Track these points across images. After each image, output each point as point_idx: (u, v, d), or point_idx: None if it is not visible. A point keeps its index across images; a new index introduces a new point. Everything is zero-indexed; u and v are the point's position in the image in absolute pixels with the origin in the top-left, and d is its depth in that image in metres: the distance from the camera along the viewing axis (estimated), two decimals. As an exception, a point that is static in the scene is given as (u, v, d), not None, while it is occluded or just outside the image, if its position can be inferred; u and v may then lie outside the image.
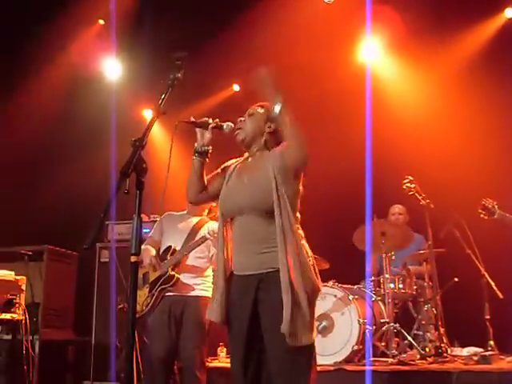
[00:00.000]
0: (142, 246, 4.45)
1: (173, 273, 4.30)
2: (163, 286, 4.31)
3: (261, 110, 3.06)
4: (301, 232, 2.93)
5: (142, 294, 4.40)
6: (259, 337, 2.81)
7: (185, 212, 4.54)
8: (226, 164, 3.18)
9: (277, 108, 2.75)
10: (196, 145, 3.08)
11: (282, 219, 2.79)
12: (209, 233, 4.18)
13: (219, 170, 3.16)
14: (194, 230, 4.42)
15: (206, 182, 3.11)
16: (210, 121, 3.07)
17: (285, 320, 2.68)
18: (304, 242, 2.91)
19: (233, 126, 3.07)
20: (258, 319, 2.83)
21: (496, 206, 5.21)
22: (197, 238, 4.33)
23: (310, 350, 2.79)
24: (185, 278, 4.32)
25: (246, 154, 3.12)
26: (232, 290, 2.95)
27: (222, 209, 3.03)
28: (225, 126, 3.07)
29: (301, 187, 2.98)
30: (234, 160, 3.19)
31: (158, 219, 4.77)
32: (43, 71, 6.60)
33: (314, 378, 2.79)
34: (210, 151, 3.09)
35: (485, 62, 6.44)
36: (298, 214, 2.97)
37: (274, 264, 2.78)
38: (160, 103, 2.43)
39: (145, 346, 4.57)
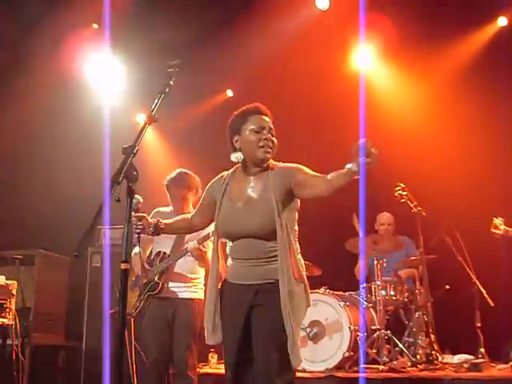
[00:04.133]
0: (134, 250, 4.45)
1: (159, 281, 4.29)
2: (150, 293, 4.33)
3: (271, 125, 3.02)
4: (297, 246, 2.97)
5: (133, 296, 4.42)
6: (249, 343, 2.84)
7: (171, 209, 4.50)
8: (208, 187, 3.15)
9: (354, 167, 2.70)
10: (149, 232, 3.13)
11: (283, 238, 2.82)
12: (189, 247, 4.20)
13: (204, 196, 3.15)
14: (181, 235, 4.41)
15: (190, 223, 3.20)
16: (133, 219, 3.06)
17: (287, 328, 2.73)
18: (299, 256, 2.95)
19: (140, 199, 3.10)
20: (249, 327, 2.86)
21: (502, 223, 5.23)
22: (186, 241, 4.33)
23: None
24: (173, 284, 4.32)
25: (238, 169, 3.05)
26: (224, 295, 2.97)
27: (221, 234, 3.02)
28: (134, 202, 2.85)
29: (298, 203, 2.98)
30: (216, 179, 3.14)
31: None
32: (34, 74, 6.57)
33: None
34: (162, 228, 3.14)
35: (477, 70, 6.47)
36: (297, 227, 2.99)
37: (273, 276, 2.82)
38: (152, 110, 2.43)
39: (136, 350, 4.57)
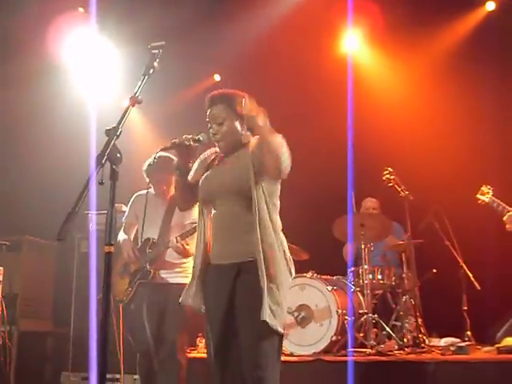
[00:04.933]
0: (121, 237, 4.44)
1: (150, 268, 4.30)
2: (141, 281, 4.33)
3: (225, 110, 2.99)
4: (279, 222, 2.95)
5: (124, 283, 4.42)
6: (234, 325, 2.84)
7: (152, 192, 4.48)
8: (202, 156, 3.16)
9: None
10: (176, 163, 3.08)
11: (259, 208, 2.80)
12: (172, 242, 4.21)
13: (199, 163, 3.14)
14: (167, 216, 4.39)
15: (191, 190, 3.10)
16: (188, 137, 3.02)
17: (264, 306, 2.71)
18: (281, 232, 2.93)
19: (205, 135, 3.04)
20: (233, 308, 2.85)
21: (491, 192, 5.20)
22: (172, 226, 4.33)
23: (279, 339, 2.83)
24: (165, 271, 4.32)
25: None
26: (208, 278, 2.97)
27: (201, 192, 3.02)
28: (201, 138, 3.04)
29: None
30: (212, 150, 3.17)
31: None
32: (20, 59, 6.50)
33: (279, 367, 2.83)
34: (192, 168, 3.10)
35: (465, 54, 6.48)
36: (278, 202, 2.98)
37: (252, 254, 2.80)
38: (135, 92, 2.40)
39: (126, 336, 4.58)
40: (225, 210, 2.92)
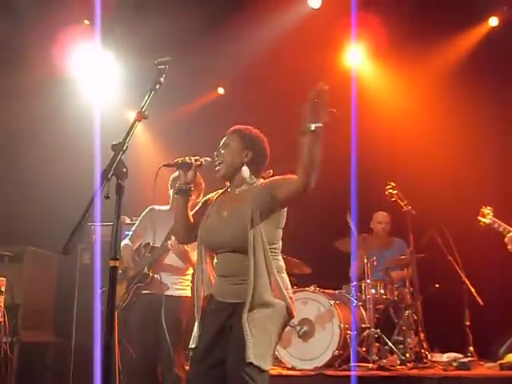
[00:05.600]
0: (124, 242, 4.46)
1: (148, 272, 4.31)
2: (139, 284, 4.34)
3: (236, 138, 3.00)
4: (281, 264, 2.95)
5: (121, 289, 4.41)
6: (220, 347, 2.82)
7: (168, 207, 4.51)
8: (207, 197, 3.16)
9: (315, 126, 2.62)
10: (178, 184, 3.05)
11: (254, 257, 2.79)
12: (171, 244, 4.20)
13: (201, 205, 3.15)
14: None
15: (192, 220, 3.07)
16: (192, 160, 3.00)
17: (248, 346, 2.68)
18: (284, 274, 2.92)
19: (210, 160, 3.02)
20: (223, 335, 2.84)
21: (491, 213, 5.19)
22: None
23: (264, 375, 2.76)
24: (163, 276, 4.30)
25: (228, 185, 3.08)
26: (207, 309, 2.96)
27: (201, 241, 3.01)
28: (204, 162, 3.02)
29: (284, 219, 2.95)
30: (214, 192, 3.16)
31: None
32: (25, 71, 6.53)
33: None
34: (192, 189, 3.06)
35: (467, 69, 6.52)
36: (280, 244, 2.96)
37: (244, 296, 2.78)
38: (142, 107, 2.42)
39: (122, 346, 4.57)
40: (226, 258, 2.92)
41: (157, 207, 4.49)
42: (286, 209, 2.93)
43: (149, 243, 4.38)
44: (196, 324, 2.97)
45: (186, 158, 3.00)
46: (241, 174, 2.98)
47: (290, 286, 2.92)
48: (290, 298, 2.87)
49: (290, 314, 2.86)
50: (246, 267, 2.80)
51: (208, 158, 3.02)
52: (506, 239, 4.96)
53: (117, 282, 2.18)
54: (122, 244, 4.44)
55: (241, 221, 2.85)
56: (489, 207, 5.16)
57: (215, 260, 3.01)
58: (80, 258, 5.87)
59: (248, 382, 2.66)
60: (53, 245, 6.15)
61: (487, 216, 5.13)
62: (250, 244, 2.79)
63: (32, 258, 6.20)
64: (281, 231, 2.96)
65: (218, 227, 2.94)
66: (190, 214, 3.07)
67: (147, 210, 4.58)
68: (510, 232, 4.99)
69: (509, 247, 4.95)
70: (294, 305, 2.90)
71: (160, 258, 4.33)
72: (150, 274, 4.30)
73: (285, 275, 2.93)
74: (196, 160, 3.00)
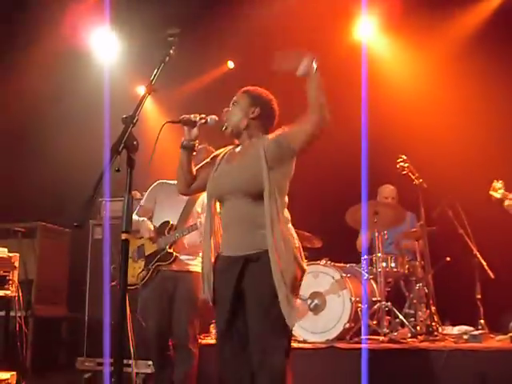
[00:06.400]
0: (136, 217, 4.44)
1: (171, 251, 4.29)
2: (160, 263, 4.31)
3: (244, 96, 3.07)
4: (287, 215, 2.97)
5: (137, 267, 4.41)
6: (241, 313, 2.86)
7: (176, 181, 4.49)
8: (215, 153, 3.21)
9: (301, 71, 2.76)
10: (183, 140, 3.10)
11: (270, 203, 2.81)
12: (200, 222, 4.19)
13: (209, 160, 3.19)
14: (189, 203, 4.39)
15: (194, 174, 3.14)
16: (197, 117, 3.05)
17: (281, 300, 2.72)
18: (290, 225, 2.95)
19: (217, 118, 3.06)
20: (241, 297, 2.87)
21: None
22: (192, 215, 4.34)
23: (288, 331, 2.83)
24: (181, 256, 4.33)
25: (236, 142, 3.13)
26: (217, 268, 2.99)
27: (211, 190, 3.05)
28: (209, 120, 3.06)
29: (292, 170, 2.98)
30: (223, 149, 3.20)
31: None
32: (34, 45, 6.52)
33: (289, 359, 2.82)
34: (197, 145, 3.12)
35: (481, 41, 6.40)
36: (286, 198, 2.99)
37: (262, 246, 2.81)
38: (151, 80, 2.41)
39: (137, 321, 4.60)
40: (235, 205, 2.93)
41: (166, 181, 4.48)
42: (294, 159, 2.96)
43: (168, 221, 4.36)
44: (206, 286, 2.99)
45: (191, 116, 3.05)
46: (248, 131, 3.02)
47: (296, 236, 2.95)
48: (298, 247, 2.91)
49: (302, 268, 2.89)
50: (259, 215, 2.82)
51: (214, 116, 3.07)
52: None
53: (128, 255, 2.19)
54: (137, 219, 4.43)
55: (253, 165, 2.88)
56: (500, 181, 5.12)
57: (223, 212, 3.02)
58: (92, 233, 5.90)
59: (272, 332, 2.73)
60: (65, 220, 6.19)
61: (499, 190, 5.09)
62: (265, 186, 2.81)
63: (44, 234, 6.25)
64: (288, 184, 2.98)
65: (229, 173, 2.98)
66: (195, 168, 3.14)
67: (155, 184, 4.57)
68: None
69: None
70: (302, 254, 2.94)
71: (180, 238, 4.32)
72: (174, 254, 4.29)
73: (291, 226, 2.95)
74: (201, 118, 3.04)
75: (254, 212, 2.85)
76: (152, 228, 4.36)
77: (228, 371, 2.92)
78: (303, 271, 2.91)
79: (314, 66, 2.75)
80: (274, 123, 3.08)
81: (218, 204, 3.10)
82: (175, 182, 4.45)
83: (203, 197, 4.38)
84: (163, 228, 4.36)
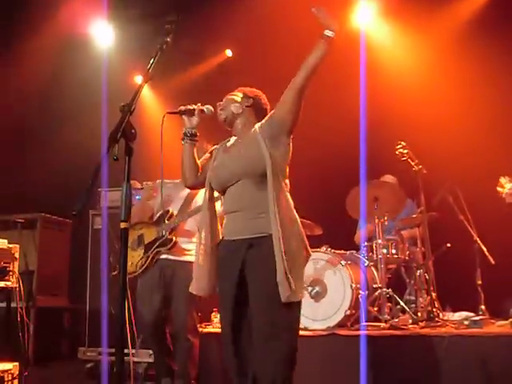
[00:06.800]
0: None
1: (170, 236, 4.32)
2: (159, 249, 4.35)
3: (237, 91, 3.18)
4: (291, 200, 2.97)
5: (136, 255, 4.45)
6: (246, 297, 2.88)
7: (178, 180, 4.53)
8: (214, 147, 3.27)
9: (329, 33, 2.91)
10: (184, 129, 3.16)
11: (273, 184, 2.83)
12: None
13: (208, 154, 3.25)
14: (189, 197, 4.44)
15: (199, 165, 3.19)
16: (194, 106, 3.13)
17: (279, 281, 2.74)
18: (294, 210, 2.95)
19: (212, 109, 3.15)
20: (245, 280, 2.89)
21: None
22: (192, 205, 4.36)
23: (294, 310, 2.85)
24: (180, 242, 4.36)
25: (230, 132, 3.20)
26: (220, 253, 3.02)
27: (212, 180, 3.08)
28: (205, 110, 3.14)
29: (290, 152, 3.01)
30: (219, 144, 3.27)
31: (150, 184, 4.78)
32: (32, 35, 6.50)
33: (296, 338, 2.86)
34: (198, 134, 3.17)
35: (481, 27, 6.34)
36: (287, 181, 3.00)
37: (266, 229, 2.83)
38: (148, 68, 2.40)
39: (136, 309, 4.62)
40: (237, 190, 2.96)
41: (167, 181, 4.50)
42: (290, 139, 3.00)
43: (168, 210, 4.40)
44: (202, 271, 3.01)
45: (188, 106, 3.12)
46: (242, 119, 3.09)
47: (298, 219, 2.96)
48: (303, 235, 2.92)
49: (307, 250, 2.92)
50: (262, 198, 2.84)
51: (209, 106, 3.14)
52: None
53: (127, 245, 2.19)
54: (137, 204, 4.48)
55: (253, 149, 2.93)
56: (507, 177, 5.11)
57: (225, 198, 3.05)
58: (92, 224, 5.90)
59: (277, 315, 2.76)
60: (65, 211, 6.19)
61: (505, 185, 5.08)
62: (268, 165, 2.84)
63: (45, 225, 6.26)
64: (287, 168, 3.02)
65: (229, 161, 3.03)
66: (198, 161, 3.19)
67: (157, 183, 4.61)
68: None
69: None
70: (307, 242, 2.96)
71: (180, 224, 4.35)
72: (174, 239, 4.32)
73: (295, 212, 2.96)
74: (198, 108, 3.12)
75: (258, 196, 2.88)
76: (140, 212, 4.44)
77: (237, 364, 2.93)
78: (309, 255, 2.93)
79: (333, 36, 2.90)
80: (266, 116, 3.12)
81: (217, 193, 3.12)
82: (175, 181, 4.50)
83: (202, 191, 4.40)
84: (163, 216, 4.38)
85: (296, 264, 2.81)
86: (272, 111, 3.03)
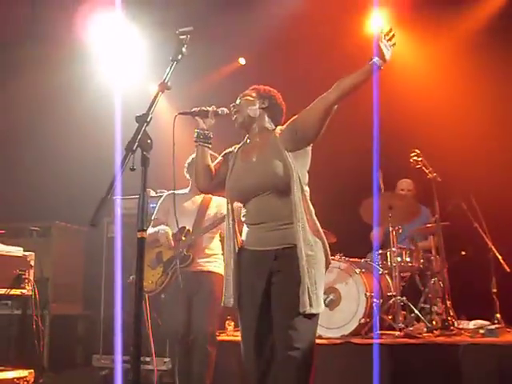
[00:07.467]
0: (152, 229, 4.46)
1: (188, 253, 4.33)
2: (180, 266, 4.32)
3: (252, 91, 3.09)
4: (311, 206, 2.96)
5: (156, 273, 4.46)
6: (269, 308, 2.87)
7: (187, 190, 4.55)
8: (226, 150, 3.19)
9: (378, 61, 2.81)
10: (197, 131, 3.10)
11: (297, 195, 2.83)
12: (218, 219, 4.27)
13: (221, 158, 3.18)
14: (202, 209, 4.45)
15: (213, 168, 3.12)
16: (208, 108, 3.08)
17: (302, 292, 2.75)
18: (314, 216, 2.95)
19: (227, 111, 3.08)
20: (269, 291, 2.88)
21: None
22: (206, 218, 4.37)
23: (314, 321, 2.84)
24: (200, 258, 4.37)
25: (247, 136, 3.12)
26: (243, 263, 3.00)
27: (233, 193, 3.04)
28: (220, 112, 3.09)
29: (309, 159, 2.99)
30: (233, 147, 3.19)
31: (163, 193, 4.79)
32: (47, 43, 6.55)
33: (313, 348, 2.84)
34: (212, 136, 3.11)
35: (495, 34, 6.33)
36: (307, 189, 2.99)
37: (291, 240, 2.82)
38: (164, 78, 2.41)
39: (154, 320, 4.63)
40: (262, 202, 2.93)
41: (176, 192, 4.49)
42: (310, 147, 2.96)
43: (184, 227, 4.39)
44: (229, 282, 2.99)
45: (203, 107, 3.07)
46: (259, 122, 3.03)
47: (319, 226, 2.95)
48: (323, 238, 2.92)
49: (328, 258, 2.93)
50: (283, 209, 2.83)
51: (224, 109, 3.08)
52: None
53: (144, 253, 2.20)
54: (160, 229, 4.43)
55: (275, 157, 2.88)
56: None
57: (244, 210, 3.01)
58: (106, 232, 5.93)
59: (299, 327, 2.74)
60: (80, 219, 6.22)
61: None
62: (292, 181, 2.82)
63: (59, 233, 6.29)
64: (307, 176, 2.99)
65: (249, 172, 2.96)
66: (212, 164, 3.12)
67: (165, 195, 4.61)
68: None
69: None
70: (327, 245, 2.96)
71: (197, 241, 4.36)
72: (191, 256, 4.33)
73: (315, 217, 2.95)
74: (213, 110, 3.07)
75: (282, 208, 2.86)
76: (170, 234, 4.39)
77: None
78: (329, 263, 2.95)
79: (381, 66, 2.82)
80: (282, 118, 3.10)
81: (237, 204, 3.10)
82: (184, 191, 4.51)
83: (215, 199, 4.42)
84: (180, 233, 4.39)
85: (318, 274, 2.82)
86: (295, 116, 2.97)
